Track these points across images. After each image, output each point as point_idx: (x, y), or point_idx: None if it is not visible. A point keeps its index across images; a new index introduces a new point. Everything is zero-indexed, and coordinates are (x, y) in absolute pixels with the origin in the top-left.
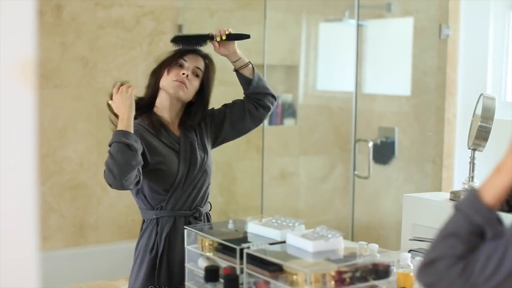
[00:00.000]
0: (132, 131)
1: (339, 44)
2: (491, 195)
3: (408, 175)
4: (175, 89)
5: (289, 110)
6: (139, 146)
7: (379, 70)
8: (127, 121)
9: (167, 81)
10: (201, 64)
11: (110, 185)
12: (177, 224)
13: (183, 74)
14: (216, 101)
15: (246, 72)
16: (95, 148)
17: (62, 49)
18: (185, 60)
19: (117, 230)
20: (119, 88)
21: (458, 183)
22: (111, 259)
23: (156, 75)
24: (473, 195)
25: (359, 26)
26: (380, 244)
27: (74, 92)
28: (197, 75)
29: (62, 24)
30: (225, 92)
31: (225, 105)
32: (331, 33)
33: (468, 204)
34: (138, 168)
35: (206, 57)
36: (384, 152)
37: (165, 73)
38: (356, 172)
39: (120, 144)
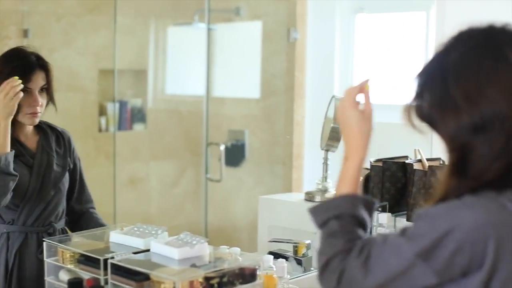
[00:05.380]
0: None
1: (189, 48)
2: (347, 184)
3: (259, 177)
4: (30, 120)
5: (139, 115)
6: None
7: (229, 73)
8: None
9: (19, 114)
10: (43, 77)
11: None
12: (29, 240)
13: (34, 105)
14: (63, 107)
15: None
16: None
17: None
18: (30, 88)
19: None
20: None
21: (308, 183)
22: None
23: None
24: (329, 200)
25: (210, 30)
26: (234, 246)
27: None
28: (42, 89)
29: None
30: (73, 98)
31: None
32: (181, 37)
33: (328, 205)
34: None
35: (43, 66)
36: (234, 155)
37: None
38: (208, 176)
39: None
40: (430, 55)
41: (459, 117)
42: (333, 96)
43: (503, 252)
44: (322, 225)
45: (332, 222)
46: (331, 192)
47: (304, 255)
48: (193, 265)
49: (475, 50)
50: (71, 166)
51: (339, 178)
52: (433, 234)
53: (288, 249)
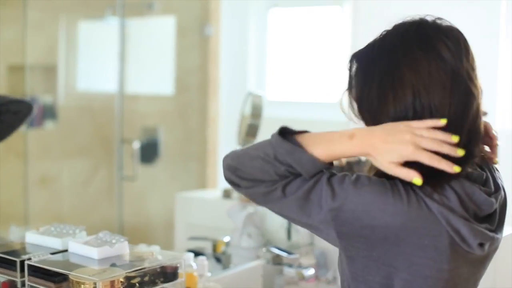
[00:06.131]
0: None
1: (101, 43)
2: (327, 151)
3: (173, 174)
4: None
5: (49, 112)
6: None
7: (142, 69)
8: None
9: None
10: None
11: None
12: None
13: None
14: None
15: None
16: None
17: None
18: None
19: None
20: None
21: (223, 180)
22: None
23: None
24: (297, 148)
25: (123, 24)
26: (150, 245)
27: None
28: None
29: None
30: None
31: None
32: (92, 32)
33: (293, 153)
34: None
35: None
36: (148, 152)
37: None
38: (122, 173)
39: None
40: (344, 50)
41: (384, 110)
42: (249, 93)
43: (410, 244)
44: (275, 147)
45: (284, 161)
46: None
47: (223, 253)
48: (113, 265)
49: (405, 44)
50: None
51: (327, 135)
52: (351, 201)
53: (206, 246)
